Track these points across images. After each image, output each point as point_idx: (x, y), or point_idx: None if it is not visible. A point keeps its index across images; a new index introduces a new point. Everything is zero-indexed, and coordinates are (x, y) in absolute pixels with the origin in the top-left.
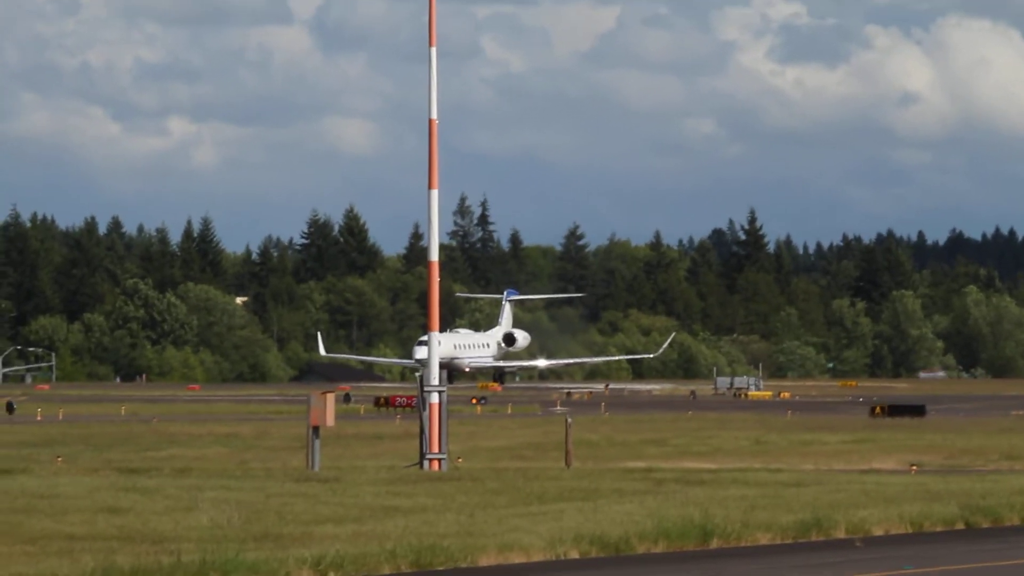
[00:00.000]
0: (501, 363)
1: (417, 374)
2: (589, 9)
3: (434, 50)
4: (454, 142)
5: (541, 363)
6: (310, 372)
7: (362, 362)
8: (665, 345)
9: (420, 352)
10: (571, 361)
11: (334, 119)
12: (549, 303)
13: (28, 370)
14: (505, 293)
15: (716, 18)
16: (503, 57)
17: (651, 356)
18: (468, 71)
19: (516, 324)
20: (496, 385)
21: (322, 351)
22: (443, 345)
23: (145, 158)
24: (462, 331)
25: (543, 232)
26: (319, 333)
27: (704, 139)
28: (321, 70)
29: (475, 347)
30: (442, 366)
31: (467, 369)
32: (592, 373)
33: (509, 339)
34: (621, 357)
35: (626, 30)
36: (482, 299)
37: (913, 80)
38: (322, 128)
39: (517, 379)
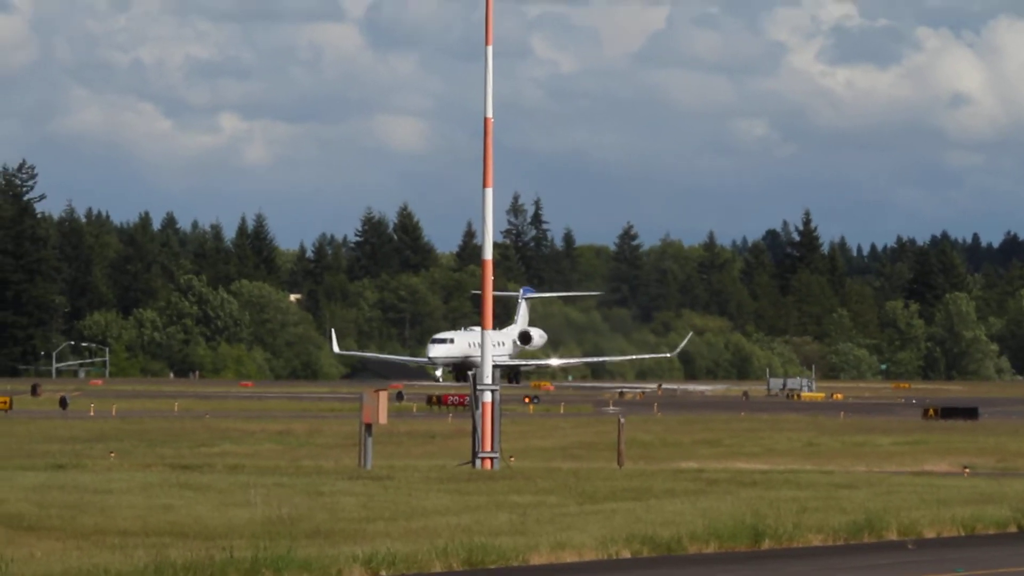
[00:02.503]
0: (517, 361)
1: (437, 372)
2: (639, 9)
3: (490, 49)
4: (505, 141)
5: (554, 362)
6: (363, 370)
7: (380, 360)
8: (682, 345)
9: (434, 350)
10: (585, 360)
11: (385, 117)
12: (601, 303)
13: (82, 365)
14: (521, 291)
15: (766, 19)
16: (553, 57)
17: (668, 356)
18: (518, 71)
19: (569, 324)
20: (548, 384)
21: (335, 349)
22: (457, 343)
23: (196, 155)
24: (477, 329)
25: (596, 232)
26: (332, 330)
27: (755, 140)
28: (372, 68)
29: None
30: (456, 364)
31: None
32: (643, 373)
33: (525, 337)
34: (638, 356)
35: (676, 30)
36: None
37: (964, 82)
38: (373, 126)
39: (570, 378)
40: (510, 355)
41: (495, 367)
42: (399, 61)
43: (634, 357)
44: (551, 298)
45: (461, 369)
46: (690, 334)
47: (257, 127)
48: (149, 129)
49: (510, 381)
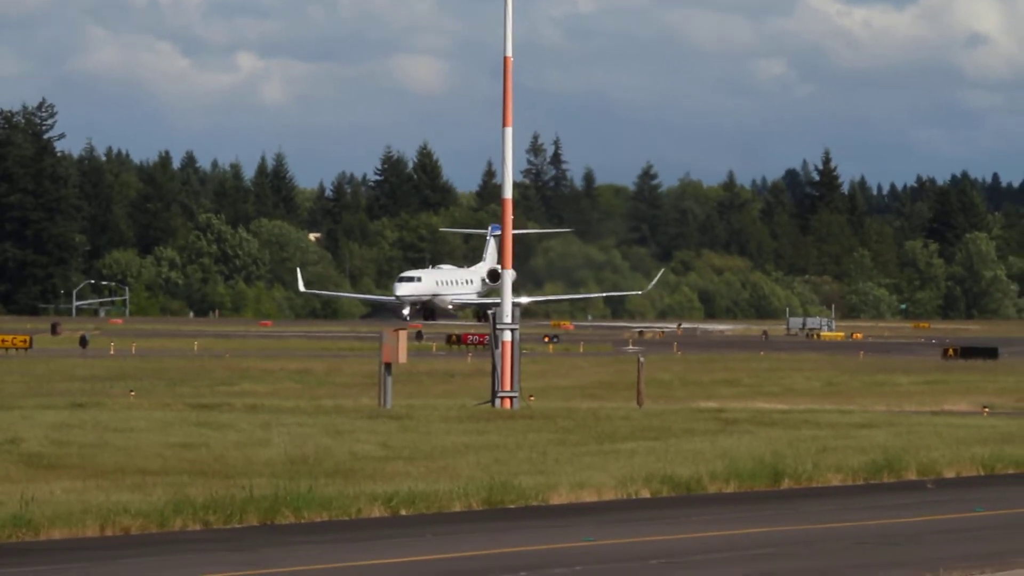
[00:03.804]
0: (486, 300)
1: (404, 311)
2: None
3: None
4: (524, 81)
5: (524, 300)
6: (382, 309)
7: (345, 298)
8: (654, 282)
9: (401, 289)
10: (556, 298)
11: (403, 57)
12: (621, 241)
13: (101, 304)
14: (489, 228)
15: None
16: None
17: (639, 293)
18: (536, 10)
19: (588, 262)
20: (567, 323)
21: (301, 287)
22: (425, 282)
23: (214, 93)
24: (445, 267)
25: (615, 171)
26: (298, 269)
27: (774, 79)
28: (390, 8)
29: (458, 283)
30: (424, 303)
31: (450, 306)
32: (663, 312)
33: (493, 275)
34: (606, 294)
35: None
36: (472, 234)
37: (982, 22)
38: (391, 65)
39: (589, 318)
40: (478, 293)
41: (460, 305)
42: (416, 0)
43: (607, 294)
44: (534, 235)
45: (428, 308)
46: (661, 271)
47: (275, 66)
48: (167, 68)
49: (479, 319)
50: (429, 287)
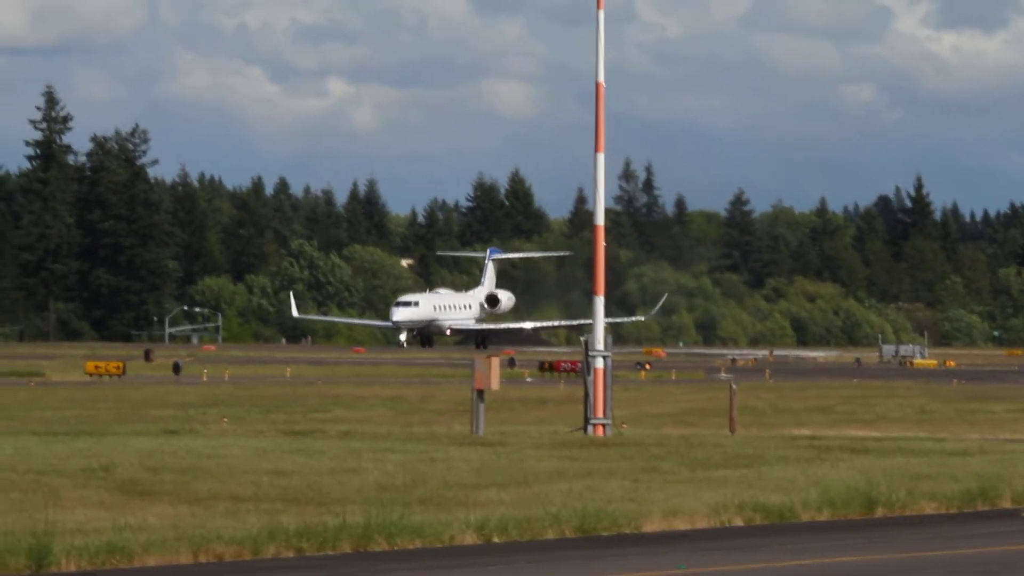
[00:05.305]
0: (484, 325)
1: (401, 336)
2: None
3: (602, 13)
4: (612, 107)
5: (527, 325)
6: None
7: (333, 324)
8: (658, 307)
9: (398, 314)
10: (560, 324)
11: (493, 82)
12: (713, 268)
13: (194, 331)
14: (488, 252)
15: None
16: (659, 22)
17: (643, 319)
18: (625, 37)
19: (679, 289)
20: (660, 351)
21: (294, 312)
22: (422, 307)
23: (305, 119)
24: (442, 291)
25: (707, 197)
26: (291, 294)
27: (863, 105)
28: (479, 33)
29: (456, 308)
30: (421, 329)
31: (448, 332)
32: (755, 340)
33: (492, 300)
34: (615, 320)
35: None
36: (470, 257)
37: None
38: (481, 91)
39: (681, 345)
40: (476, 319)
41: (458, 331)
42: (505, 26)
43: (611, 320)
44: (526, 258)
45: (426, 334)
46: (664, 296)
47: (364, 92)
48: (257, 93)
49: (477, 346)
50: (427, 312)
